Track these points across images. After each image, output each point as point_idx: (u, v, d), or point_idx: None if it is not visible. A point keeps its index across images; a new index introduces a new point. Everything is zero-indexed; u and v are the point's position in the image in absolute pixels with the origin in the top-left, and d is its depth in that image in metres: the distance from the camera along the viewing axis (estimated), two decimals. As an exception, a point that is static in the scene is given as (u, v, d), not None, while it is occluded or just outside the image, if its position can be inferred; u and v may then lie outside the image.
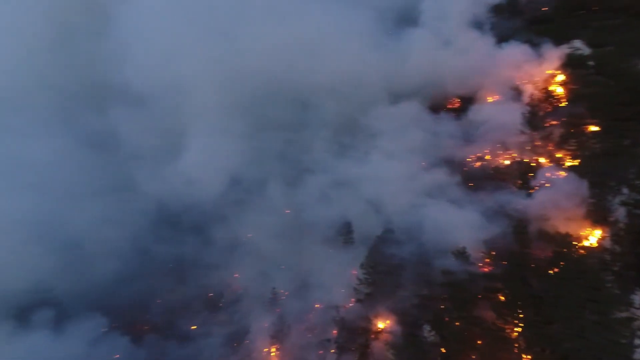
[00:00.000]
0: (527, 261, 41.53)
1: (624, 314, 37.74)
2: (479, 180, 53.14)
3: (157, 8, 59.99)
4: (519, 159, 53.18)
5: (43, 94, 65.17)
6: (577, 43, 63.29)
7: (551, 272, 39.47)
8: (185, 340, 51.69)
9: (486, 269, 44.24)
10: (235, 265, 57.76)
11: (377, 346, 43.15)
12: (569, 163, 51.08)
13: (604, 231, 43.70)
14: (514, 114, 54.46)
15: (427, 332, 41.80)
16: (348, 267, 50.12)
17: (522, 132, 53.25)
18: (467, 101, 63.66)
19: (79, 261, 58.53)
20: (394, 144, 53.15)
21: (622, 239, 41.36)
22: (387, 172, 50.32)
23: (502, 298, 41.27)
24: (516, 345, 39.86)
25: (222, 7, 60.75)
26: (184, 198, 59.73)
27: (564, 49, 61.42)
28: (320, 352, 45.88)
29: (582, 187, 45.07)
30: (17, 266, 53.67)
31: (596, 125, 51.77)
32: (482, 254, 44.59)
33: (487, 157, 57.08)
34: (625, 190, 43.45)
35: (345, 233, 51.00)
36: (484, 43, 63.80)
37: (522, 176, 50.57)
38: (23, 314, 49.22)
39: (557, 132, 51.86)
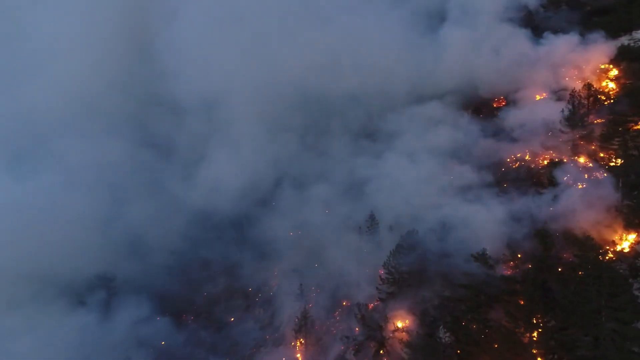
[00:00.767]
0: (549, 264, 40.04)
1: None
2: (514, 181, 51.69)
3: (197, 29, 64.18)
4: (557, 159, 51.04)
5: (111, 102, 72.08)
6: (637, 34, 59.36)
7: (571, 276, 37.81)
8: (222, 330, 55.13)
9: (508, 272, 43.21)
10: (274, 262, 60.67)
11: (393, 345, 43.64)
12: (611, 163, 48.31)
13: (638, 236, 41.06)
14: (555, 113, 52.31)
15: (443, 334, 41.71)
16: (377, 267, 51.03)
17: (562, 132, 51.01)
18: (513, 100, 61.94)
19: (135, 252, 64.65)
20: (426, 144, 52.97)
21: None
22: (416, 172, 50.36)
23: (521, 302, 40.18)
24: (534, 351, 38.76)
25: (251, 16, 63.59)
26: (229, 199, 63.94)
27: (620, 42, 57.75)
28: (342, 347, 47.20)
29: (617, 189, 42.64)
30: (80, 253, 60.34)
31: (644, 122, 48.46)
32: (504, 257, 43.51)
33: (527, 157, 55.28)
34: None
35: (370, 225, 51.46)
36: (527, 39, 61.30)
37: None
38: (78, 295, 55.43)
39: (599, 131, 49.05)
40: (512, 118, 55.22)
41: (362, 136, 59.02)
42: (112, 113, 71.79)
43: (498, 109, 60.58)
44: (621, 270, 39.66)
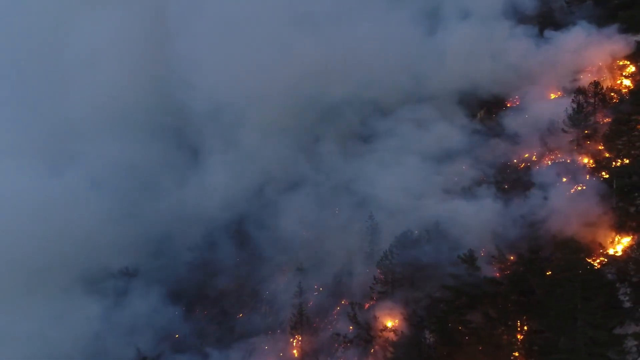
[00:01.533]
0: (535, 267, 39.32)
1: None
2: (516, 182, 50.74)
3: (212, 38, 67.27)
4: (560, 160, 49.67)
5: (136, 108, 76.76)
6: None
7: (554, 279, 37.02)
8: (229, 324, 57.62)
9: (497, 274, 42.72)
10: (283, 260, 62.51)
11: (380, 344, 44.21)
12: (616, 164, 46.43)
13: (633, 239, 39.48)
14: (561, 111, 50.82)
15: (428, 334, 41.87)
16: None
17: (564, 131, 49.54)
18: (526, 99, 60.47)
19: (157, 249, 68.73)
20: (424, 144, 53.04)
21: (649, 248, 37.13)
22: (412, 173, 50.61)
23: (503, 304, 39.68)
24: (515, 354, 38.28)
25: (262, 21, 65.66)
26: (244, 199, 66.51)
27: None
28: (336, 345, 48.23)
29: (611, 190, 41.20)
30: (105, 248, 65.00)
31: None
32: (492, 258, 43.02)
33: (534, 157, 54.00)
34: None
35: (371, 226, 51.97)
36: (533, 35, 59.77)
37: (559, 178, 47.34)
38: (98, 286, 59.88)
39: (604, 130, 47.28)
40: (516, 117, 54.11)
41: (360, 138, 59.69)
42: (138, 117, 76.21)
43: (510, 108, 59.33)
44: (609, 275, 38.58)
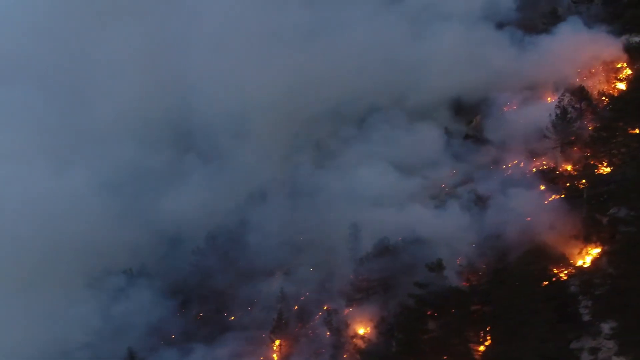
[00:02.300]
0: (496, 278, 38.72)
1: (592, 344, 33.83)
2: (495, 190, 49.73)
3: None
4: (545, 167, 48.53)
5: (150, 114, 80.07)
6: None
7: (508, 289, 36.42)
8: (220, 328, 59.16)
9: (465, 284, 42.25)
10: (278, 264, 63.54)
11: (350, 351, 44.55)
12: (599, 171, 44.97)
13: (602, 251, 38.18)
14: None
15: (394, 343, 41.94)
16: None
17: (546, 137, 48.34)
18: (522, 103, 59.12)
19: (159, 248, 71.42)
20: (402, 152, 52.81)
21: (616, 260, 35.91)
22: (390, 181, 50.57)
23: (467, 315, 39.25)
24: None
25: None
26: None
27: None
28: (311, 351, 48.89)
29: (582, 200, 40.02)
30: (110, 246, 68.13)
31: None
32: (461, 268, 42.58)
33: (522, 164, 52.83)
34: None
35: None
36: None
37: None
38: (96, 281, 62.80)
39: (589, 135, 45.81)
40: (503, 123, 53.03)
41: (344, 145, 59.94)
42: (149, 123, 79.30)
43: (499, 113, 58.13)
44: (572, 287, 37.55)
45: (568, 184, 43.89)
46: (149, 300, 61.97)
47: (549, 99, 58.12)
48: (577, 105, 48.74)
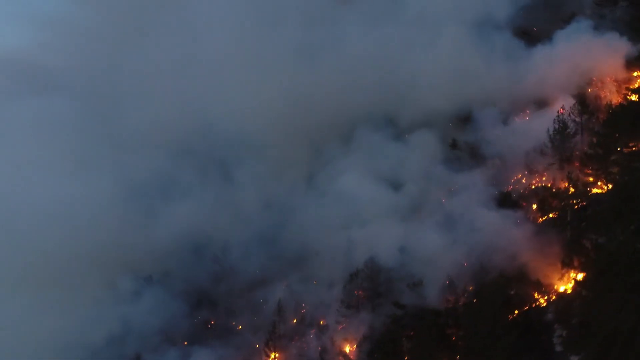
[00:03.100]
0: (470, 301, 37.73)
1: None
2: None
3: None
4: (538, 185, 46.47)
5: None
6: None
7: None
8: (225, 333, 61.01)
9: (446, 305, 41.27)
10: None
11: (333, 368, 44.73)
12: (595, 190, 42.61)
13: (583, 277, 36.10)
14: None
15: (373, 361, 41.73)
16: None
17: (542, 153, 46.18)
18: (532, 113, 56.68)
19: (183, 255, 74.23)
20: (391, 167, 52.19)
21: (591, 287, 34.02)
22: (379, 196, 50.11)
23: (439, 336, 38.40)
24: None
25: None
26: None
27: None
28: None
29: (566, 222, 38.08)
30: (137, 252, 71.59)
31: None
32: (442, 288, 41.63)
33: (523, 180, 50.71)
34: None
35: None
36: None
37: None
38: (116, 286, 66.04)
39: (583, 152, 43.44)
40: (496, 136, 51.04)
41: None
42: (173, 134, 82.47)
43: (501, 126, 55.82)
44: (549, 314, 35.85)
45: (560, 204, 41.75)
46: (163, 306, 64.96)
47: (561, 109, 55.97)
48: (578, 119, 46.27)
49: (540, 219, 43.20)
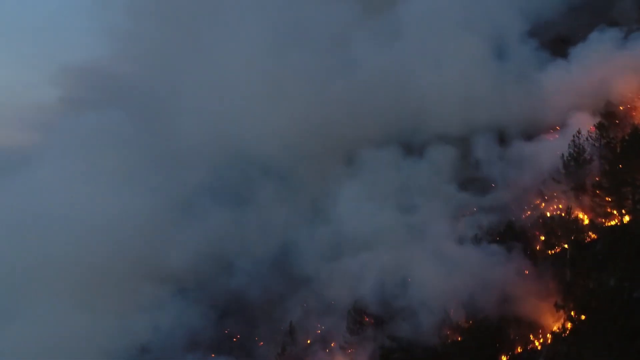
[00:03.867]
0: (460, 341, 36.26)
1: None
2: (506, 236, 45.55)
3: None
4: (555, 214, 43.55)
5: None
6: None
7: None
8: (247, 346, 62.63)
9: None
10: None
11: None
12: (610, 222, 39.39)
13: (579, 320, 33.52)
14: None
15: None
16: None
17: (555, 180, 43.18)
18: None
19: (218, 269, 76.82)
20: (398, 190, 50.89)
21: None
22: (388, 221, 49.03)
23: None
24: None
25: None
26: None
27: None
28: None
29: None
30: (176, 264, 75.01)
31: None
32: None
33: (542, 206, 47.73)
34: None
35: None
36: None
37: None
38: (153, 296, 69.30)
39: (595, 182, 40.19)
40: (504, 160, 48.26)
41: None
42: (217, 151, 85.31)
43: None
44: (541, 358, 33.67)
45: (565, 238, 38.99)
46: (192, 317, 67.71)
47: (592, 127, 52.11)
48: (596, 144, 42.87)
49: (549, 252, 40.59)
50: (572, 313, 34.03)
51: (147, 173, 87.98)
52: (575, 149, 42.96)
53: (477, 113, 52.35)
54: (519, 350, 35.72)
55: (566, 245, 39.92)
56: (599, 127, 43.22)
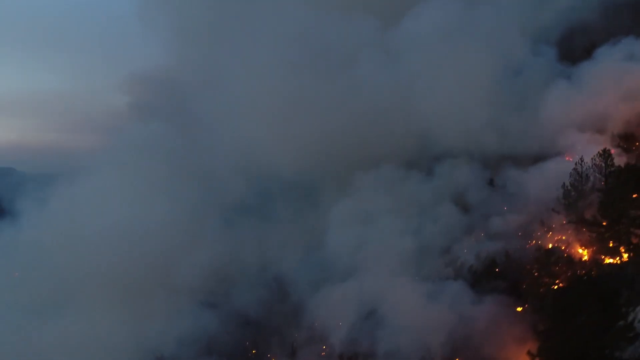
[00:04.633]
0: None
1: None
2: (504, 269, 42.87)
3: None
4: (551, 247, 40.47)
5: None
6: None
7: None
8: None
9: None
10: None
11: None
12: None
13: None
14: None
15: None
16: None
17: (554, 211, 40.14)
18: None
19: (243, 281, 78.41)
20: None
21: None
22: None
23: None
24: None
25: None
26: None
27: None
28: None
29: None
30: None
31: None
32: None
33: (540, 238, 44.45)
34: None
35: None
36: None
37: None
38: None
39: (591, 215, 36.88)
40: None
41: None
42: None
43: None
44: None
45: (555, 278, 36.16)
46: (219, 328, 69.46)
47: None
48: (599, 173, 39.34)
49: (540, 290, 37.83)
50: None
51: (183, 186, 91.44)
52: (578, 178, 39.95)
53: (485, 136, 49.76)
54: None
55: (561, 284, 37.48)
56: (603, 153, 39.73)
